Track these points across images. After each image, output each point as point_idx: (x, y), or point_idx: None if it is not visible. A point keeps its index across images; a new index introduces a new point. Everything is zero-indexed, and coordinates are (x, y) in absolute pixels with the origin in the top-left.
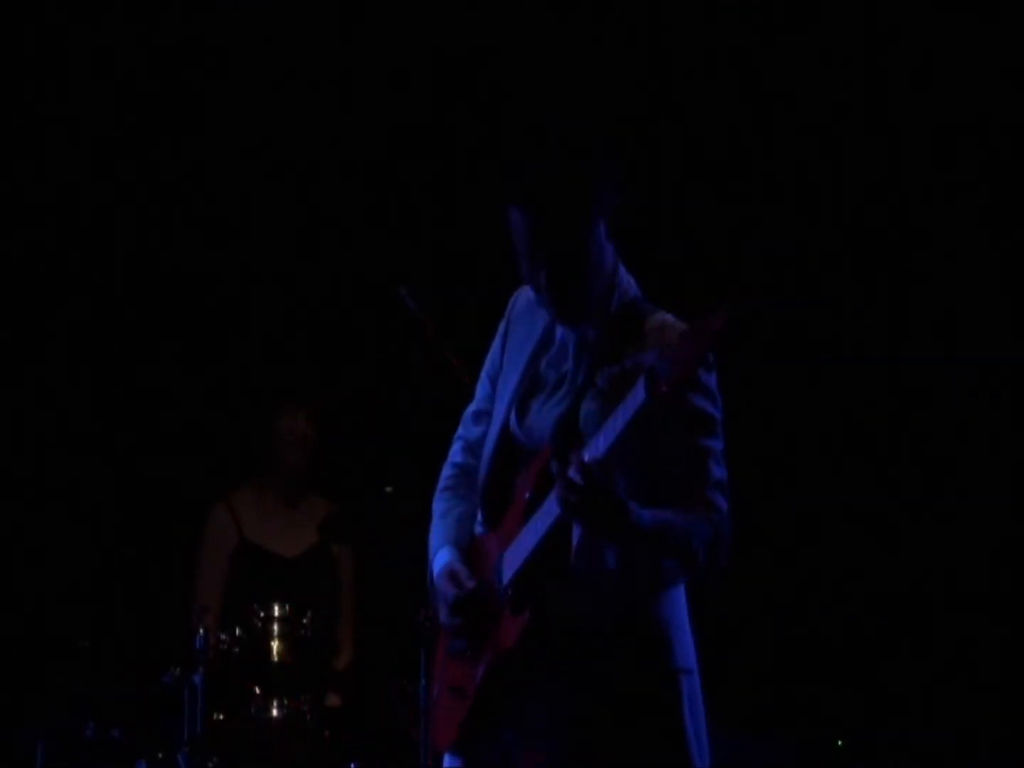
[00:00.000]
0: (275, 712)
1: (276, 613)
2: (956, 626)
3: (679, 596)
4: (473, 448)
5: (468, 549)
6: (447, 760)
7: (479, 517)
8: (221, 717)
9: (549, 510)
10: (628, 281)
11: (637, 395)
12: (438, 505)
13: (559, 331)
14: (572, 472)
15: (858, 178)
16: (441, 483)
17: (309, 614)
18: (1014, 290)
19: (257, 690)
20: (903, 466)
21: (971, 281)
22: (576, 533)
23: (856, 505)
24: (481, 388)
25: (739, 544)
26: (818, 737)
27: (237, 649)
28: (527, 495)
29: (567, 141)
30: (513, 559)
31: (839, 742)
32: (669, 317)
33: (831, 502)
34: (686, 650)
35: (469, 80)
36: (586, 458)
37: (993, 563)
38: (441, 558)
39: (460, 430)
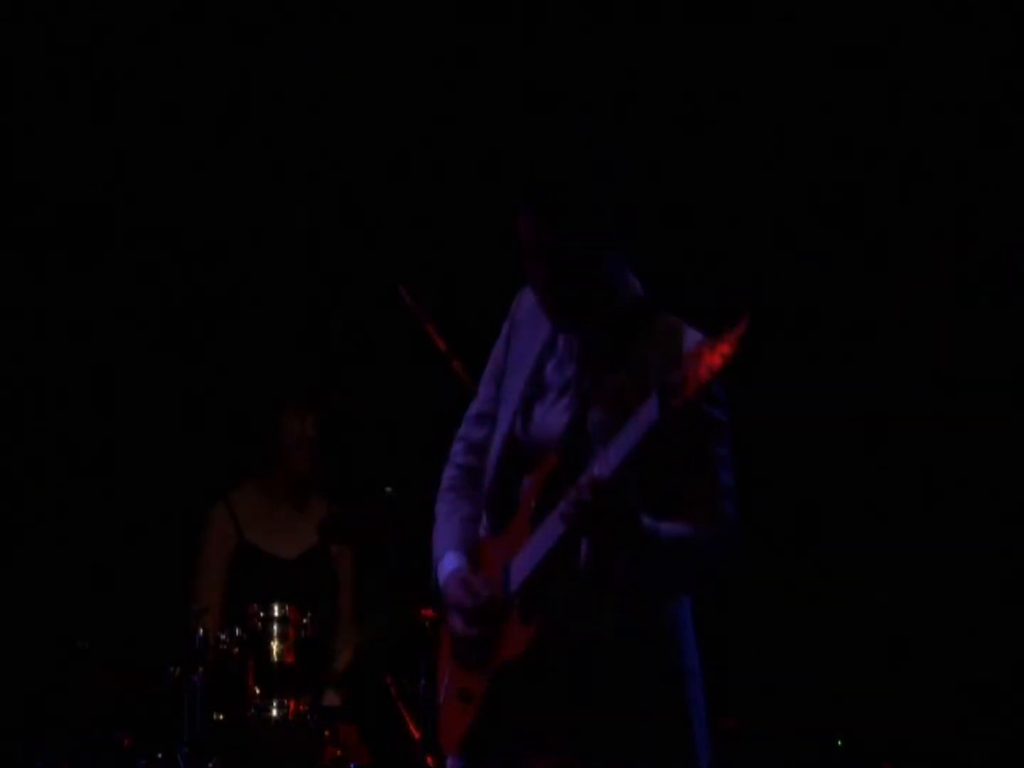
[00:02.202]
0: (275, 712)
1: (276, 613)
2: (956, 625)
3: (684, 598)
4: (476, 449)
5: (472, 553)
6: (451, 763)
7: (484, 521)
8: (221, 717)
9: (557, 520)
10: (633, 283)
11: (650, 412)
12: (441, 507)
13: (564, 335)
14: (582, 488)
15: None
16: (444, 484)
17: (309, 614)
18: None
19: (257, 690)
20: (900, 466)
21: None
22: (584, 545)
23: (856, 503)
24: (484, 389)
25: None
26: (818, 737)
27: (237, 649)
28: (534, 503)
29: (577, 145)
30: (520, 567)
31: (839, 742)
32: (675, 320)
33: (830, 499)
34: (691, 651)
35: (474, 78)
36: (596, 474)
37: (992, 560)
38: (448, 563)
39: (462, 430)
